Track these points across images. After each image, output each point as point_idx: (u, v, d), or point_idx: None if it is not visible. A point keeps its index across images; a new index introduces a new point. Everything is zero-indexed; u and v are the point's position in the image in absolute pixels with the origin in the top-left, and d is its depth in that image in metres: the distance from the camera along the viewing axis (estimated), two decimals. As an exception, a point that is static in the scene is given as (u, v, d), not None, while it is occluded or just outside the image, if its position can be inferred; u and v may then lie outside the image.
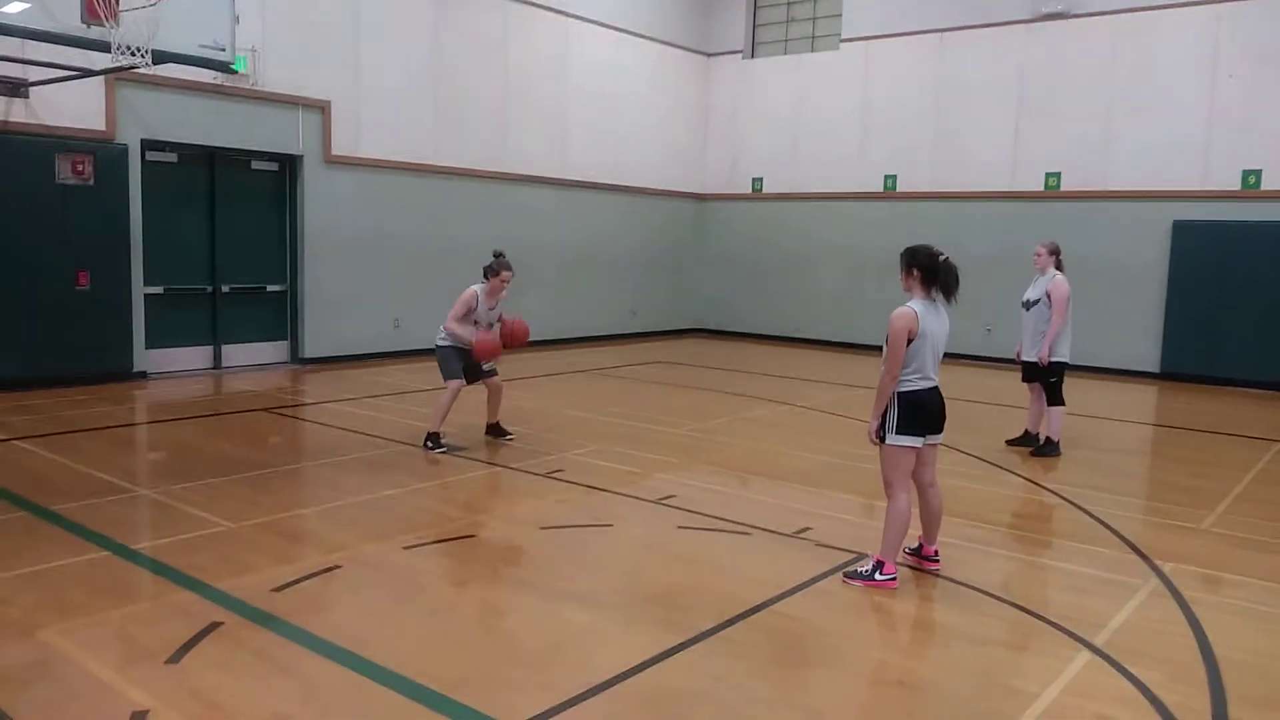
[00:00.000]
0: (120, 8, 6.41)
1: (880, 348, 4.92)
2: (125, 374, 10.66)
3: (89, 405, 9.31)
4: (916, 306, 4.82)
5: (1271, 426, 10.18)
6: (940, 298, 4.88)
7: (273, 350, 12.40)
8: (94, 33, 6.50)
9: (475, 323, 7.79)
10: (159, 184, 11.03)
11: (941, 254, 4.83)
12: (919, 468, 4.95)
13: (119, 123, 10.43)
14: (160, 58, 6.69)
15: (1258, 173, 12.97)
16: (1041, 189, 14.68)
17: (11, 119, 9.66)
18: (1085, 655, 4.15)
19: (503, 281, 7.80)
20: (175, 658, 3.81)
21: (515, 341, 7.84)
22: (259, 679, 3.70)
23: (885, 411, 4.85)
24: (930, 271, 4.81)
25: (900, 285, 4.98)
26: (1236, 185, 13.13)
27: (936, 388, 4.92)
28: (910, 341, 4.78)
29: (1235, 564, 5.52)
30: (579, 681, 3.73)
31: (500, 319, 7.97)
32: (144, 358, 10.90)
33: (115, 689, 3.57)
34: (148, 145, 10.82)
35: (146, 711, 3.39)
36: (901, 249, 5.00)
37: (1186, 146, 13.44)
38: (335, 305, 12.59)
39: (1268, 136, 12.84)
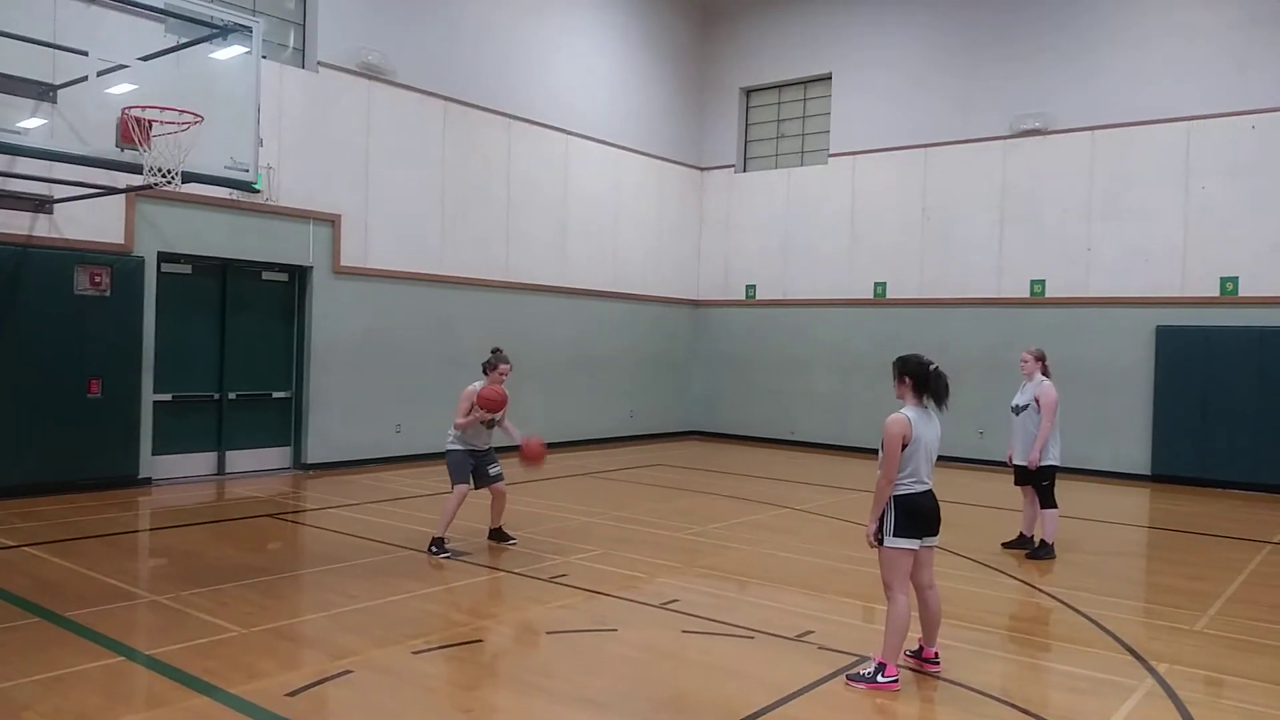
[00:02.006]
0: (153, 133, 6.82)
1: (875, 451, 5.13)
2: (131, 480, 10.79)
3: (96, 511, 9.42)
4: (909, 413, 5.06)
5: (1261, 527, 10.32)
6: (932, 405, 5.12)
7: (276, 456, 12.55)
8: (127, 156, 6.89)
9: (480, 422, 7.97)
10: (173, 294, 11.38)
11: (932, 363, 5.10)
12: (917, 569, 5.11)
13: (137, 236, 10.84)
14: (188, 178, 7.07)
15: (1235, 279, 13.43)
16: (1027, 295, 15.13)
17: (35, 233, 10.04)
18: (1084, 756, 4.24)
19: (501, 375, 8.02)
20: (196, 762, 3.90)
21: (534, 459, 7.98)
22: (277, 782, 3.78)
23: (883, 515, 5.04)
24: (921, 380, 5.07)
25: (894, 392, 5.24)
26: (1215, 291, 13.57)
27: (931, 491, 5.13)
28: (904, 447, 5.00)
29: (1229, 665, 5.62)
30: (590, 783, 3.81)
31: (504, 417, 8.14)
32: (149, 464, 11.05)
33: (138, 793, 3.65)
34: (164, 257, 11.21)
35: (169, 815, 3.47)
36: (893, 356, 5.28)
37: (1165, 254, 13.95)
38: (339, 411, 12.81)
39: (1242, 244, 13.35)
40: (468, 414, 7.87)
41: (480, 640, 5.73)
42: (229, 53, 7.80)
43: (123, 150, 6.87)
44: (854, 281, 16.95)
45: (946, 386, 5.09)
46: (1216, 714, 4.80)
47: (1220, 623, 6.51)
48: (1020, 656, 5.85)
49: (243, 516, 9.60)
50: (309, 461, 12.55)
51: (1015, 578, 7.74)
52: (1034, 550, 8.46)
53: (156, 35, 8.30)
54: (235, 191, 10.39)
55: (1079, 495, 11.99)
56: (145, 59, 7.53)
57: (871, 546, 5.14)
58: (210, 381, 11.94)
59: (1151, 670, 5.43)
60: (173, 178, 6.82)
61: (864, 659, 5.32)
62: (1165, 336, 13.78)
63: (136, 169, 6.88)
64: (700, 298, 19.05)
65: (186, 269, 11.63)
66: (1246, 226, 13.34)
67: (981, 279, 15.59)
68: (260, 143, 7.73)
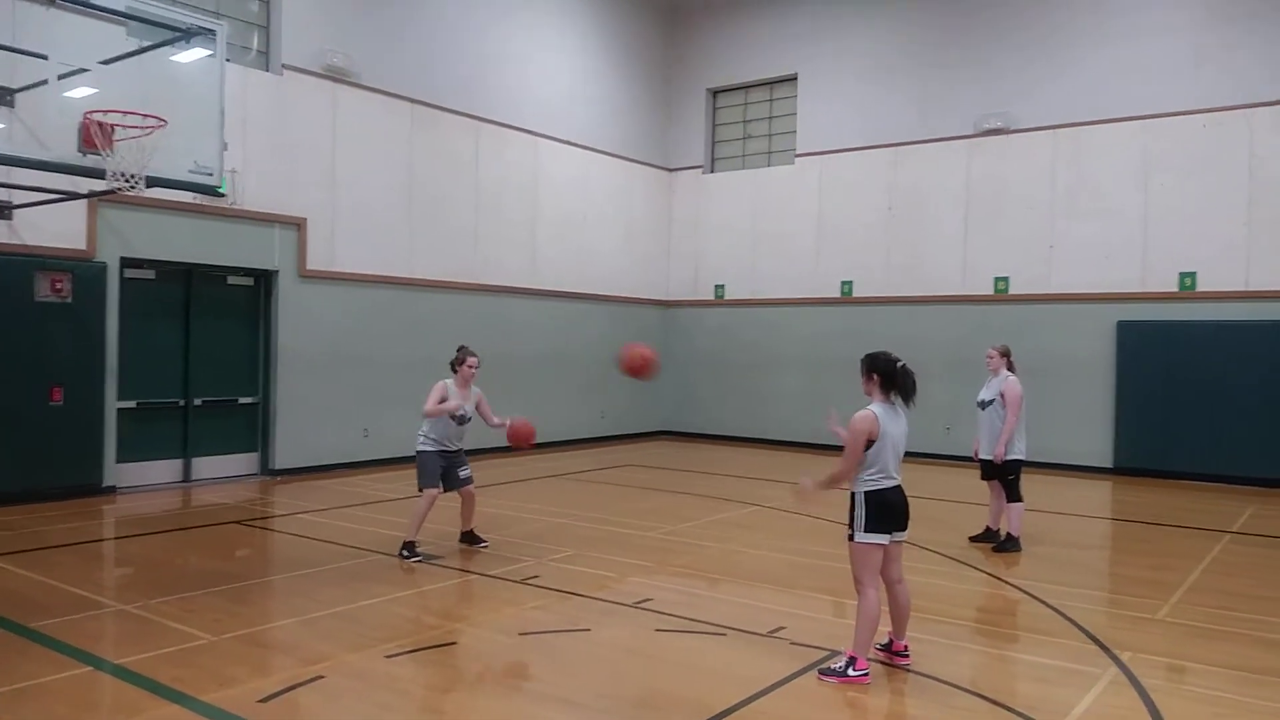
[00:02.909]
0: (116, 137, 6.74)
1: (843, 448, 5.20)
2: (95, 489, 10.64)
3: (61, 521, 9.28)
4: (877, 410, 5.14)
5: (1221, 518, 10.54)
6: (899, 401, 5.20)
7: (243, 462, 12.43)
8: (89, 160, 6.80)
9: (450, 415, 7.93)
10: (136, 300, 11.24)
11: (899, 361, 5.18)
12: (886, 564, 5.18)
13: (99, 242, 10.70)
14: (152, 182, 6.99)
15: (1193, 275, 13.70)
16: (992, 293, 15.33)
17: (-7, 239, 9.89)
18: (1050, 744, 4.32)
19: (470, 368, 8.01)
20: (167, 770, 3.88)
21: (523, 441, 8.02)
22: (251, 789, 3.77)
23: (853, 511, 5.11)
24: (889, 377, 5.15)
25: (861, 389, 5.31)
26: (1174, 287, 13.83)
27: (899, 486, 5.20)
28: (872, 443, 5.07)
29: (1190, 652, 5.75)
30: (565, 782, 3.83)
31: (480, 408, 8.13)
32: (114, 472, 10.91)
33: (109, 802, 3.62)
34: (126, 263, 11.06)
35: (141, 824, 3.45)
36: (861, 354, 5.35)
37: (1125, 251, 14.19)
38: (307, 416, 12.70)
39: (1199, 241, 13.62)
40: (439, 403, 7.82)
41: (453, 643, 5.73)
42: (192, 56, 7.71)
43: (84, 155, 6.77)
44: (821, 280, 17.09)
45: (914, 384, 5.17)
46: (1178, 700, 4.91)
47: (1182, 611, 6.65)
48: (988, 648, 5.94)
49: (210, 524, 9.51)
50: (277, 467, 12.44)
51: (982, 571, 7.85)
52: (1000, 543, 8.59)
53: (118, 38, 8.20)
54: (199, 196, 10.27)
55: (1044, 488, 12.18)
56: (107, 62, 7.42)
57: (803, 492, 5.28)
58: (175, 388, 11.80)
59: (1115, 659, 5.54)
60: (136, 182, 6.74)
61: (835, 653, 5.39)
62: (1126, 331, 14.02)
63: (99, 174, 6.79)
64: (670, 297, 19.11)
65: (150, 274, 11.49)
66: (1204, 222, 13.61)
67: (947, 276, 15.77)
68: (225, 146, 7.65)
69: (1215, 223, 13.52)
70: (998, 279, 15.28)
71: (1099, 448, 14.30)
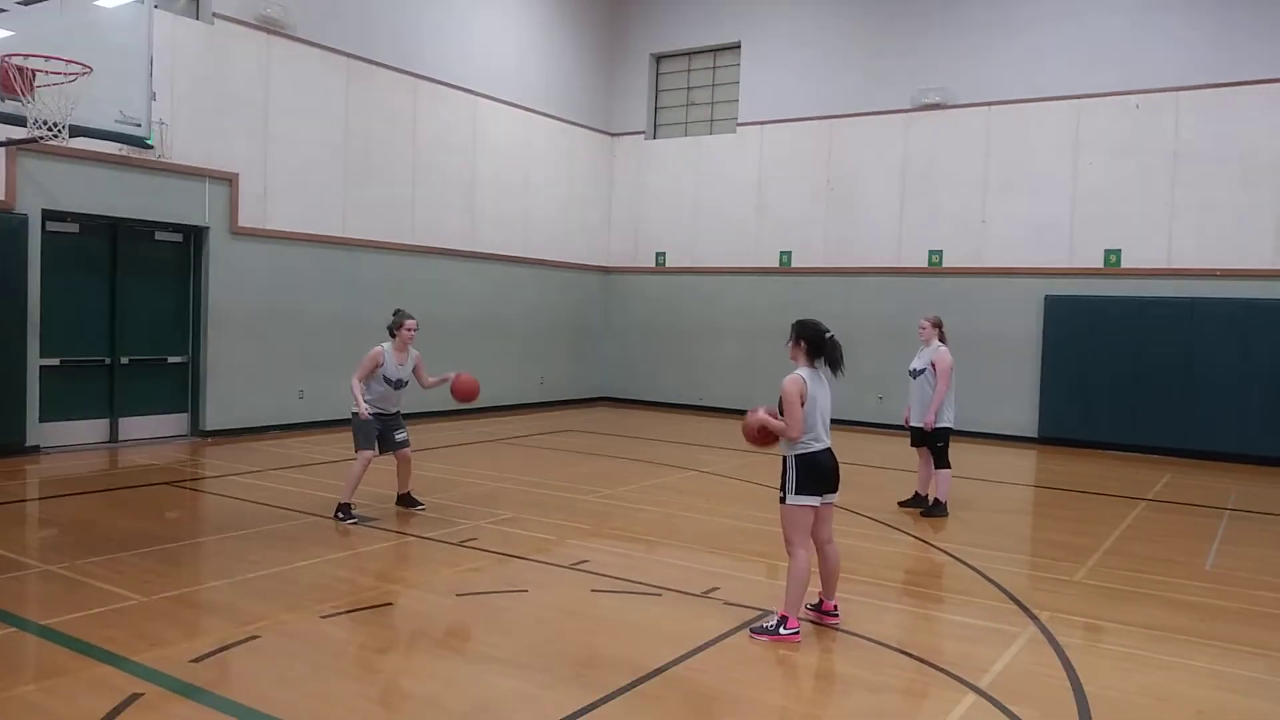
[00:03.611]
0: (37, 83, 6.48)
1: (775, 414, 5.30)
2: (18, 448, 10.34)
3: (-21, 481, 9.01)
4: (804, 374, 5.25)
5: (1137, 485, 10.98)
6: (825, 369, 5.31)
7: (173, 423, 12.17)
8: (8, 106, 6.54)
9: (386, 379, 7.88)
10: (59, 254, 10.87)
11: (828, 331, 5.29)
12: (817, 526, 5.31)
13: (19, 192, 10.30)
14: (76, 132, 6.76)
15: (1118, 252, 14.12)
16: (926, 265, 15.62)
17: (-96, 188, 9.46)
18: (971, 697, 4.50)
19: (409, 331, 7.95)
20: (98, 729, 3.83)
21: (468, 396, 7.95)
22: (184, 747, 3.75)
23: (784, 474, 5.22)
24: (816, 345, 5.26)
25: (787, 354, 5.40)
26: (1100, 263, 14.26)
27: (830, 449, 5.33)
28: (802, 404, 5.18)
29: (1104, 612, 6.01)
30: (502, 738, 3.88)
31: (416, 370, 8.09)
32: (37, 431, 10.60)
33: (37, 761, 3.58)
34: (49, 215, 10.67)
35: (70, 782, 3.41)
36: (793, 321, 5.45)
37: (1054, 227, 14.57)
38: (239, 377, 12.46)
39: (1125, 219, 14.04)
40: (363, 381, 7.78)
41: (390, 604, 5.73)
42: (119, 1, 7.45)
43: (3, 101, 6.52)
44: (761, 250, 17.22)
45: (841, 355, 5.29)
46: (1091, 656, 5.14)
47: (1098, 573, 6.94)
48: (914, 608, 6.14)
49: (139, 485, 9.31)
50: (208, 428, 12.21)
51: (911, 535, 8.08)
52: (928, 509, 8.83)
53: (39, -22, 7.86)
54: (126, 147, 9.95)
55: (972, 457, 12.53)
56: (26, 3, 7.12)
57: (752, 414, 5.36)
58: (101, 346, 11.47)
59: (1034, 618, 5.77)
60: (59, 131, 6.51)
61: (767, 613, 5.51)
62: (1053, 305, 14.43)
63: (19, 121, 6.55)
64: (611, 264, 19.08)
65: (74, 228, 11.11)
66: (1130, 202, 14.02)
67: (882, 249, 16.02)
68: (153, 96, 7.43)
69: (1140, 202, 13.94)
70: (932, 252, 15.57)
71: (1025, 418, 14.74)
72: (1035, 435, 14.63)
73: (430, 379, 8.13)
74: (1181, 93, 13.64)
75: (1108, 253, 14.21)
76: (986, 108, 15.09)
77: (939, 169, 15.52)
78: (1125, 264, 14.07)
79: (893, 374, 13.88)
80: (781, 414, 5.26)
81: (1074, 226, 14.45)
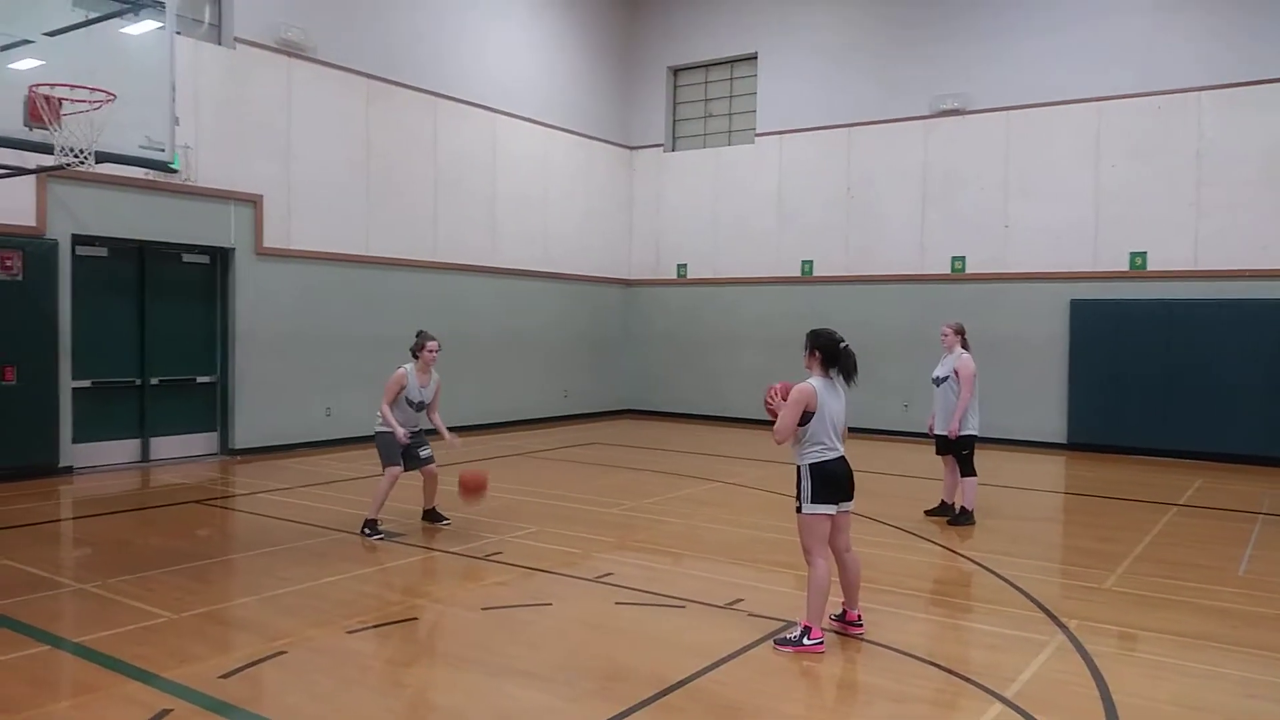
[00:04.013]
0: (63, 111, 6.61)
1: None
2: (51, 469, 10.51)
3: (16, 501, 9.16)
4: (816, 383, 5.26)
5: (1168, 491, 10.84)
6: (840, 379, 5.31)
7: (202, 442, 12.32)
8: (36, 135, 6.67)
9: (409, 401, 7.97)
10: (89, 278, 11.06)
11: (843, 341, 5.29)
12: (834, 534, 5.30)
13: (50, 218, 10.50)
14: (102, 158, 6.87)
15: (1143, 254, 13.99)
16: (949, 272, 15.54)
17: (-61, 216, 9.67)
18: (997, 707, 4.46)
19: (430, 353, 8.04)
20: (128, 745, 3.89)
21: (474, 490, 7.85)
22: (213, 762, 3.80)
23: (799, 484, 5.23)
24: (830, 355, 5.27)
25: (803, 363, 5.41)
26: (1125, 266, 14.12)
27: (843, 458, 5.32)
28: (811, 415, 5.18)
29: (1133, 619, 5.94)
30: (526, 751, 3.90)
31: (435, 393, 8.17)
32: (70, 452, 10.77)
33: (69, 778, 3.63)
34: (78, 240, 10.87)
35: (102, 798, 3.46)
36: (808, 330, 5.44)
37: (1078, 231, 14.45)
38: (266, 396, 12.60)
39: (1149, 222, 13.90)
40: (392, 406, 7.87)
41: (415, 618, 5.77)
42: (141, 28, 7.56)
43: (31, 130, 6.64)
44: (782, 259, 17.21)
45: (854, 364, 5.29)
46: (1120, 665, 5.08)
47: (1127, 581, 6.86)
48: (940, 617, 6.10)
49: (170, 503, 9.43)
50: (237, 446, 12.35)
51: (937, 543, 8.02)
52: (955, 517, 8.77)
53: (64, 9, 7.98)
54: (152, 172, 10.10)
55: (999, 464, 12.43)
56: (52, 34, 7.26)
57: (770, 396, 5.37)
58: (131, 367, 11.65)
59: (1063, 626, 5.72)
60: (85, 158, 6.63)
61: (791, 624, 5.50)
62: (1079, 309, 14.30)
63: (47, 149, 6.67)
64: (632, 277, 19.13)
65: (103, 251, 11.30)
66: (1154, 203, 13.89)
67: (904, 256, 15.96)
68: (176, 121, 7.54)
69: (1165, 204, 13.81)
70: (954, 258, 15.49)
71: (1053, 424, 14.60)
72: (1065, 441, 14.48)
73: (434, 415, 8.23)
74: (1203, 92, 13.52)
75: (1133, 255, 14.07)
76: (1005, 112, 15.02)
77: (959, 174, 15.45)
78: (1151, 266, 13.93)
79: (917, 382, 13.82)
80: (800, 425, 5.25)
81: (1098, 229, 14.34)
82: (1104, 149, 14.27)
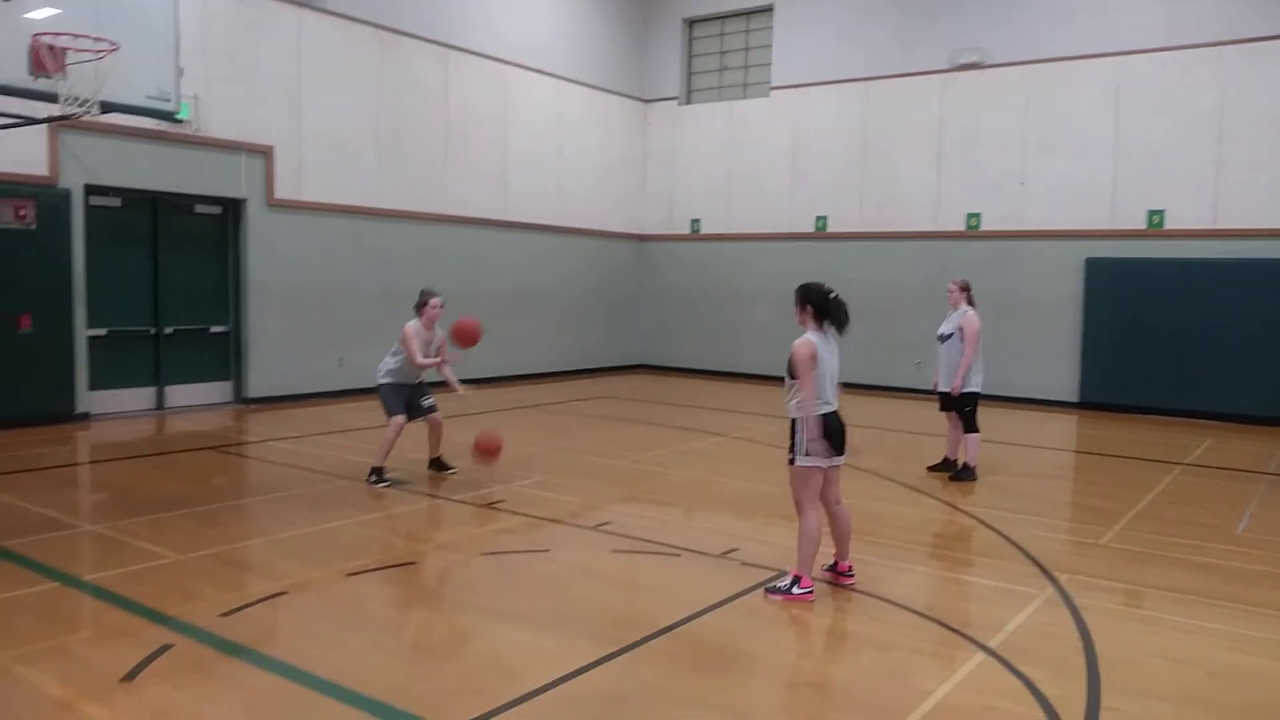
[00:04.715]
0: (67, 61, 6.65)
1: (781, 379, 5.34)
2: (68, 416, 10.70)
3: (33, 446, 9.35)
4: (813, 338, 5.27)
5: (1175, 450, 10.81)
6: (832, 331, 5.33)
7: (216, 390, 12.49)
8: (41, 84, 6.72)
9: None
10: (102, 228, 11.16)
11: (832, 291, 5.31)
12: (825, 487, 5.36)
13: (62, 168, 10.58)
14: (107, 108, 6.93)
15: (1161, 213, 13.81)
16: (963, 229, 15.41)
17: (-47, 165, 9.77)
18: (980, 656, 4.53)
19: (433, 309, 8.10)
20: (130, 676, 4.02)
21: (489, 454, 7.86)
22: (210, 695, 3.93)
23: (793, 436, 5.26)
24: (822, 307, 5.28)
25: (795, 319, 5.42)
26: (1142, 224, 13.95)
27: (837, 412, 5.35)
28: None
29: (1124, 574, 5.98)
30: (511, 689, 4.01)
31: (441, 347, 8.25)
32: (87, 399, 10.95)
33: (72, 705, 3.78)
34: (91, 190, 10.96)
35: (103, 726, 3.60)
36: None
37: (1095, 188, 14.27)
38: (278, 345, 12.74)
39: (1168, 179, 13.70)
40: (423, 353, 7.94)
41: (415, 563, 5.90)
42: (148, -24, 7.59)
43: (36, 79, 6.70)
44: (796, 215, 17.10)
45: (847, 314, 5.30)
46: (1107, 618, 5.13)
47: (1124, 537, 6.89)
48: (932, 570, 6.17)
49: (183, 450, 9.61)
50: (250, 395, 12.52)
51: (937, 498, 8.07)
52: (957, 473, 8.80)
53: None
54: (161, 121, 10.15)
55: (1009, 422, 12.43)
56: (60, -17, 7.30)
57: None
58: (146, 316, 11.79)
59: (1053, 580, 5.76)
60: (90, 107, 6.68)
61: (782, 573, 5.58)
62: (1094, 268, 14.17)
63: (51, 98, 6.73)
64: (645, 232, 19.08)
65: (116, 202, 11.39)
66: (1172, 161, 13.68)
67: (919, 212, 15.82)
68: (181, 71, 7.58)
69: (1184, 160, 13.59)
70: (969, 215, 15.35)
71: (1066, 382, 14.54)
72: (1077, 400, 14.43)
73: (446, 369, 8.19)
74: (1226, 46, 13.23)
75: (1151, 213, 13.89)
76: (1024, 66, 14.77)
77: (976, 130, 15.25)
78: (1169, 225, 13.76)
79: (929, 339, 13.63)
80: (793, 378, 5.28)
81: (1115, 187, 14.15)
82: (1124, 104, 14.03)
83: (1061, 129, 14.52)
